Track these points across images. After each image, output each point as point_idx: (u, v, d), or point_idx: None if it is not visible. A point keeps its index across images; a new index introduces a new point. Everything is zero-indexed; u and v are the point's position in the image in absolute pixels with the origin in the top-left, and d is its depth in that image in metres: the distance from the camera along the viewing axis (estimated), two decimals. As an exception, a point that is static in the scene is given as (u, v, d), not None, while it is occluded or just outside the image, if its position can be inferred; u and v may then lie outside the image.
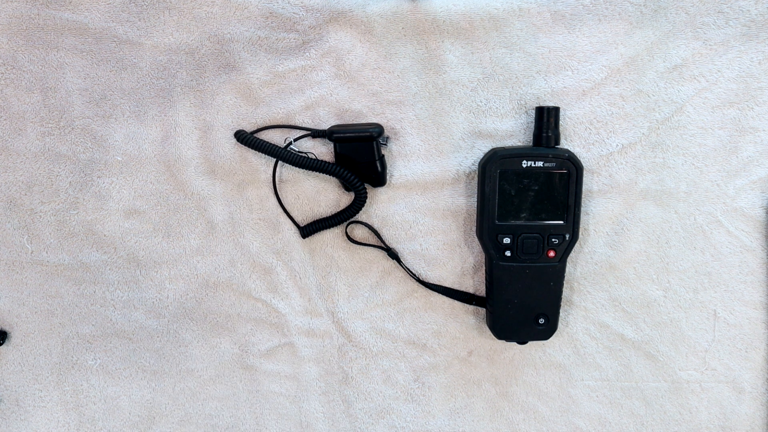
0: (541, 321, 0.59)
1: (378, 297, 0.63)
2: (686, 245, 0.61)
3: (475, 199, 0.60)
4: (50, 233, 0.63)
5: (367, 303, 0.64)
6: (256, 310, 0.64)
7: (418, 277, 0.62)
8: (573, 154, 0.56)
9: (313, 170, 0.58)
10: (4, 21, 0.59)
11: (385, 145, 0.59)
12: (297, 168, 0.59)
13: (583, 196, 0.58)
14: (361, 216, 0.61)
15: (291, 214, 0.62)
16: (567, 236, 0.57)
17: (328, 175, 0.59)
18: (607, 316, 0.63)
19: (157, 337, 0.65)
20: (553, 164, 0.56)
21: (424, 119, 0.59)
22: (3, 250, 0.63)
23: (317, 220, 0.61)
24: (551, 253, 0.57)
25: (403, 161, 0.60)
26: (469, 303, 0.62)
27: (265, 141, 0.59)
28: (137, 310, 0.64)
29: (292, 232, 0.62)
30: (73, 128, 0.61)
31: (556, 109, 0.56)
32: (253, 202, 0.62)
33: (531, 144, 0.58)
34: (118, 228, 0.63)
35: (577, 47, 0.58)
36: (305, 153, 0.59)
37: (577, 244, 0.59)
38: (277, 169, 0.61)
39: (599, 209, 0.60)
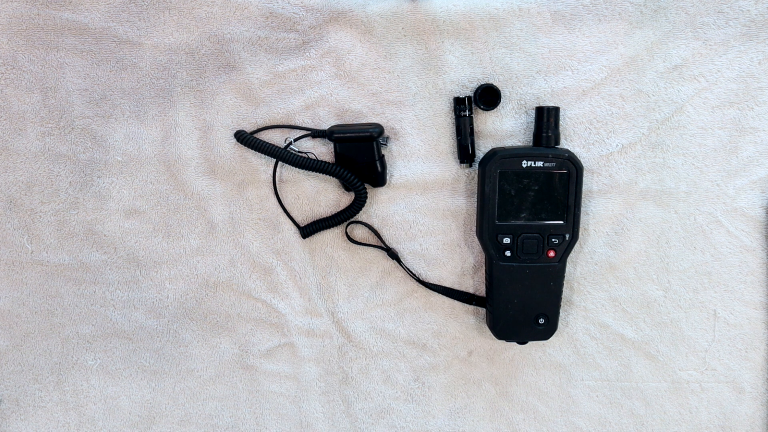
0: (541, 321, 0.59)
1: (378, 297, 0.63)
2: (686, 245, 0.61)
3: (475, 199, 0.60)
4: (50, 233, 0.63)
5: (367, 303, 0.64)
6: (256, 310, 0.64)
7: (418, 277, 0.62)
8: (573, 154, 0.56)
9: (313, 170, 0.58)
10: (4, 21, 0.59)
11: (385, 145, 0.59)
12: (297, 168, 0.59)
13: (583, 196, 0.58)
14: (361, 216, 0.61)
15: (291, 214, 0.62)
16: (567, 236, 0.57)
17: (328, 175, 0.59)
18: (607, 316, 0.63)
19: (157, 337, 0.65)
20: (553, 164, 0.56)
21: (424, 119, 0.59)
22: (3, 250, 0.63)
23: (317, 220, 0.61)
24: (551, 253, 0.57)
25: (403, 161, 0.60)
26: (469, 303, 0.62)
27: (265, 141, 0.59)
28: (137, 310, 0.64)
29: (292, 232, 0.62)
30: (73, 128, 0.61)
31: (556, 109, 0.56)
32: (253, 202, 0.62)
33: (531, 144, 0.58)
34: (118, 228, 0.63)
35: (577, 47, 0.58)
36: (305, 153, 0.59)
37: (577, 244, 0.59)
38: (277, 169, 0.61)
39: (599, 209, 0.60)
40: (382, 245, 0.62)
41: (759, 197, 0.60)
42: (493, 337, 0.61)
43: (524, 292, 0.58)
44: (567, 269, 0.59)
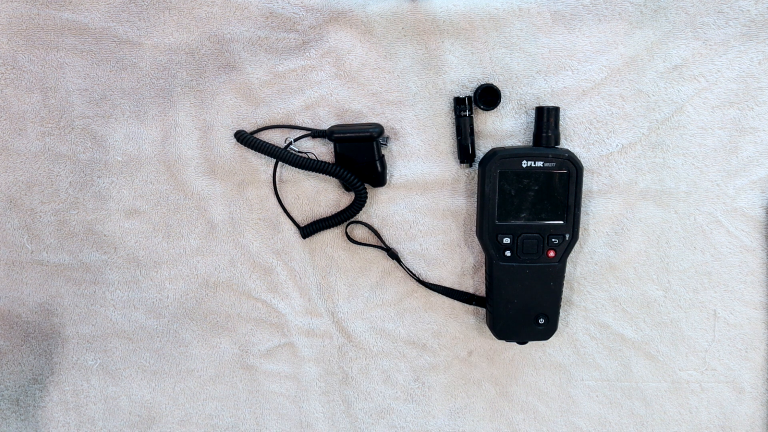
0: (541, 321, 0.59)
1: (378, 297, 0.63)
2: (686, 245, 0.61)
3: (475, 199, 0.60)
4: (50, 233, 0.63)
5: (367, 303, 0.64)
6: (256, 310, 0.64)
7: (418, 277, 0.62)
8: (573, 154, 0.56)
9: (313, 170, 0.58)
10: (4, 21, 0.59)
11: (385, 145, 0.59)
12: (297, 168, 0.59)
13: (583, 196, 0.58)
14: (361, 216, 0.61)
15: (291, 214, 0.62)
16: (567, 236, 0.57)
17: (328, 175, 0.59)
18: (607, 316, 0.63)
19: (157, 337, 0.65)
20: (553, 164, 0.56)
21: (424, 119, 0.59)
22: (3, 250, 0.63)
23: (317, 220, 0.61)
24: (551, 253, 0.57)
25: (403, 161, 0.60)
26: (469, 303, 0.62)
27: (265, 141, 0.59)
28: (137, 310, 0.64)
29: (292, 232, 0.62)
30: (73, 128, 0.61)
31: (556, 109, 0.56)
32: (253, 202, 0.62)
33: (531, 144, 0.58)
34: (118, 228, 0.63)
35: (577, 47, 0.58)
36: (305, 153, 0.59)
37: (577, 244, 0.59)
38: (277, 169, 0.61)
39: (599, 209, 0.60)
40: (382, 245, 0.62)
41: (759, 197, 0.60)
42: (493, 337, 0.61)
43: (524, 292, 0.58)
44: (567, 269, 0.59)
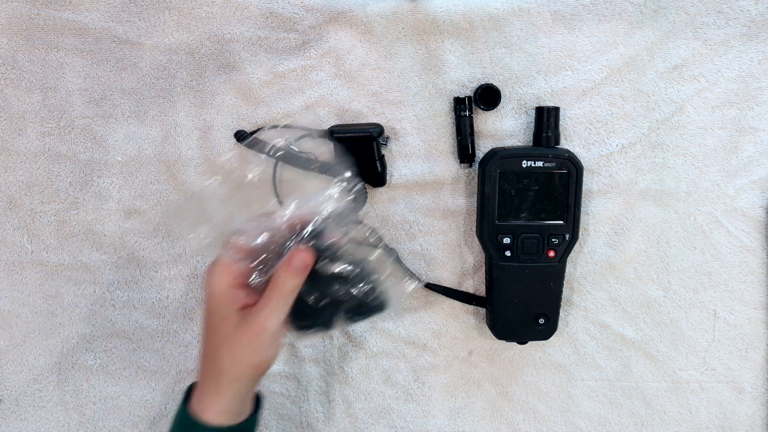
0: (541, 321, 0.59)
1: (378, 297, 0.63)
2: (686, 245, 0.61)
3: (475, 199, 0.60)
4: (50, 233, 0.63)
5: (367, 303, 0.63)
6: (256, 310, 0.64)
7: (418, 277, 0.62)
8: (573, 154, 0.56)
9: (313, 170, 0.58)
10: (4, 21, 0.59)
11: (385, 145, 0.59)
12: (297, 168, 0.59)
13: (583, 196, 0.58)
14: (361, 216, 0.61)
15: (291, 214, 0.62)
16: (567, 236, 0.57)
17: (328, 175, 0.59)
18: (607, 316, 0.63)
19: (157, 337, 0.65)
20: (553, 164, 0.56)
21: (424, 119, 0.59)
22: (3, 250, 0.63)
23: (317, 220, 0.61)
24: (551, 253, 0.57)
25: (403, 161, 0.60)
26: (469, 303, 0.62)
27: (265, 141, 0.59)
28: (137, 310, 0.64)
29: (292, 232, 0.62)
30: (73, 128, 0.61)
31: (556, 109, 0.57)
32: (253, 202, 0.62)
33: (531, 144, 0.58)
34: (118, 228, 0.63)
35: (577, 47, 0.58)
36: (305, 153, 0.59)
37: (577, 244, 0.59)
38: (277, 169, 0.61)
39: (599, 209, 0.60)
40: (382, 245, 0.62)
41: (759, 197, 0.60)
42: (493, 337, 0.61)
43: (524, 292, 0.58)
44: (567, 269, 0.59)
